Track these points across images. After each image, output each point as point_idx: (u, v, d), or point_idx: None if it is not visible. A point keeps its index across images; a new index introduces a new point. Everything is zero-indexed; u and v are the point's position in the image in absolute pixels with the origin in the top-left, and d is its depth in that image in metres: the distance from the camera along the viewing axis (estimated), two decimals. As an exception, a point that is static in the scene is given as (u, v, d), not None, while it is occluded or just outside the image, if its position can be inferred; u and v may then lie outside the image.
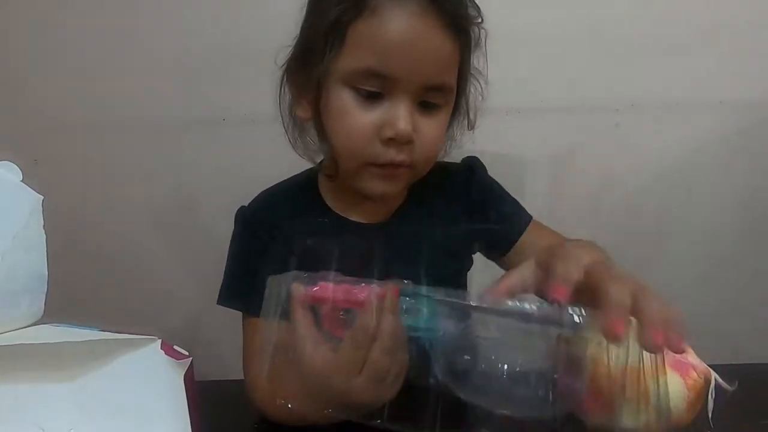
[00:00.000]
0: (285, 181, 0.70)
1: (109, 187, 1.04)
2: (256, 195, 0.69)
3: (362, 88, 0.54)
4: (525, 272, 0.45)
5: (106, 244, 1.06)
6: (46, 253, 0.51)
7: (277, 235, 0.63)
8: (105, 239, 1.05)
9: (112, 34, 0.97)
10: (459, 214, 0.65)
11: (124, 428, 0.44)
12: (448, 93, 0.58)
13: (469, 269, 0.73)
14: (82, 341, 0.45)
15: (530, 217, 0.70)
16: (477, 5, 0.59)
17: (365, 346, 0.42)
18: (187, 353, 0.43)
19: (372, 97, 0.54)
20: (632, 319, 0.41)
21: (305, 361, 0.44)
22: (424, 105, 0.56)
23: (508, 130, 1.02)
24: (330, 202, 0.67)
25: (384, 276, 0.45)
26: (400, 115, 0.53)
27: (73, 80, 0.99)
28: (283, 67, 0.62)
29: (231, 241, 0.67)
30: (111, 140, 1.02)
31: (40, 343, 0.45)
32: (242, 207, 0.67)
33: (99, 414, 0.47)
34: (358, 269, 0.45)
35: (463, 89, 0.62)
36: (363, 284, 0.44)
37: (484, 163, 0.73)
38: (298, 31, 0.61)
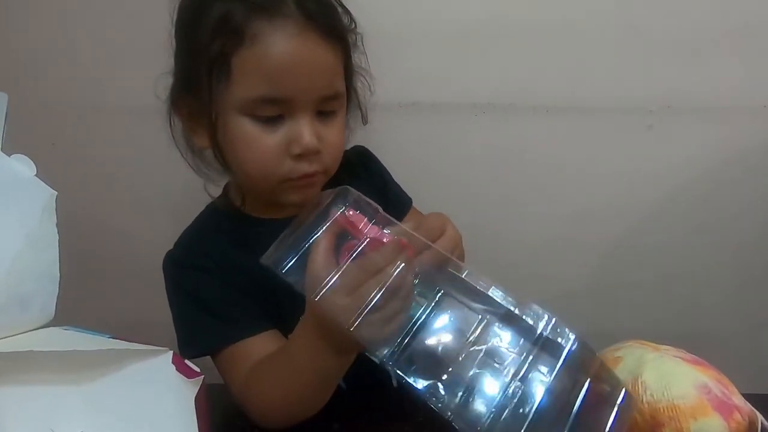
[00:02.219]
0: (198, 216, 0.69)
1: (125, 178, 1.03)
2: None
3: (260, 115, 0.55)
4: None
5: (118, 236, 1.04)
6: (58, 253, 0.49)
7: (218, 260, 0.62)
8: (118, 232, 1.04)
9: (134, 21, 0.95)
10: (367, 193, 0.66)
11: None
12: (341, 98, 0.60)
13: None
14: (93, 350, 0.44)
15: (411, 200, 0.76)
16: (349, 12, 0.61)
17: (368, 275, 0.44)
18: (198, 370, 0.41)
19: (272, 121, 0.56)
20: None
21: (311, 264, 0.46)
22: (322, 114, 0.58)
23: (539, 129, 0.99)
24: (254, 212, 0.66)
25: None
26: (303, 131, 0.55)
27: (91, 67, 0.98)
28: (168, 99, 0.61)
29: (171, 290, 0.63)
30: (130, 128, 1.00)
31: (52, 351, 0.43)
32: (170, 251, 0.65)
33: (108, 419, 0.46)
34: None
35: (352, 88, 0.65)
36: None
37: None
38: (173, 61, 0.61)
